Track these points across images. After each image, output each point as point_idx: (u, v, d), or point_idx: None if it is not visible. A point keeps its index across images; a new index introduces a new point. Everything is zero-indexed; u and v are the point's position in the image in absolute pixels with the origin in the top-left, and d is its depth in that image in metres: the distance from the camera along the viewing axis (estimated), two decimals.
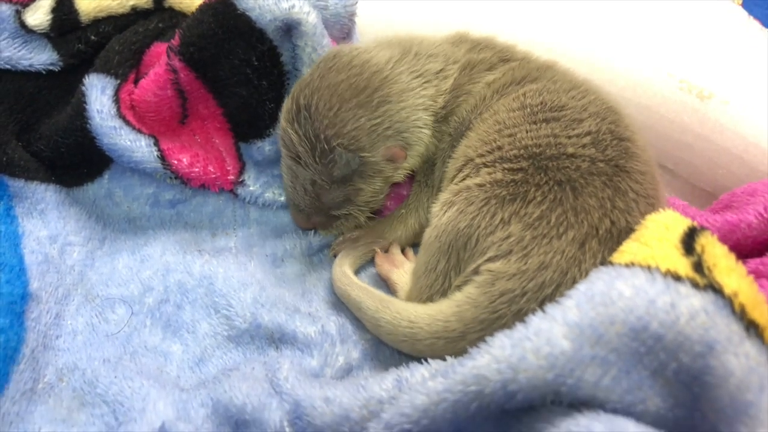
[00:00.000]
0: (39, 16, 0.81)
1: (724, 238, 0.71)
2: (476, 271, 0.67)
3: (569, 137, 0.70)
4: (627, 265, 0.56)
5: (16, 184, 0.82)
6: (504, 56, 0.84)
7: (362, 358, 0.75)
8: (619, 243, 0.64)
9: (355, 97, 0.74)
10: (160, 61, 0.82)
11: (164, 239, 0.86)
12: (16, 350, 0.71)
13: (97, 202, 0.89)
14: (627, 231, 0.65)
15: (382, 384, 0.63)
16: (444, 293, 0.70)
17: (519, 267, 0.64)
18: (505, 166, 0.70)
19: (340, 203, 0.78)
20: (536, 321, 0.54)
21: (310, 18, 0.79)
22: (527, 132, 0.72)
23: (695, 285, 0.53)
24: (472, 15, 1.08)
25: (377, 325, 0.72)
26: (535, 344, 0.53)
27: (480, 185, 0.70)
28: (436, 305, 0.69)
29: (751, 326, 0.51)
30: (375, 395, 0.62)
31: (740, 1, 1.47)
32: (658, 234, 0.59)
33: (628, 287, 0.53)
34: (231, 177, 0.87)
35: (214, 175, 0.86)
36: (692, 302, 0.51)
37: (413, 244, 0.86)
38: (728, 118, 0.92)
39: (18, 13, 0.81)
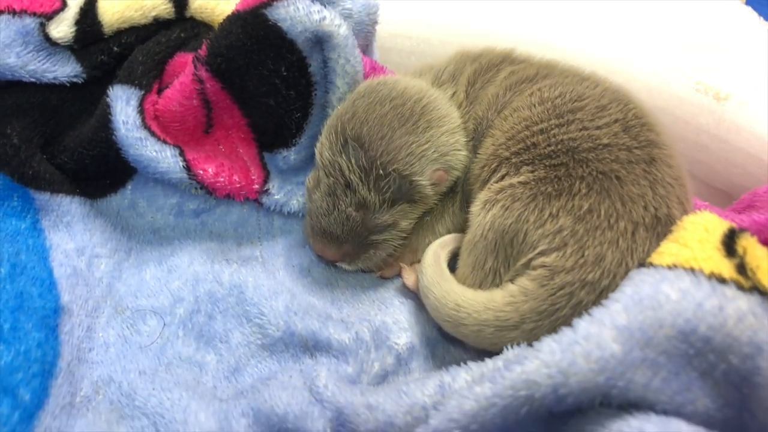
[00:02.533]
0: (63, 28, 0.81)
1: None
2: (528, 265, 0.68)
3: (599, 128, 0.72)
4: (670, 267, 0.57)
5: (42, 198, 0.82)
6: (506, 58, 0.88)
7: (396, 363, 0.75)
8: (662, 230, 0.67)
9: (403, 125, 0.77)
10: (186, 71, 0.82)
11: (190, 249, 0.86)
12: (53, 365, 0.71)
13: (121, 213, 0.88)
14: (668, 217, 0.68)
15: (424, 390, 0.63)
16: (495, 288, 0.71)
17: (576, 260, 0.66)
18: (546, 162, 0.72)
19: (385, 228, 0.79)
20: (584, 325, 0.55)
21: (342, 30, 0.80)
22: (558, 127, 0.74)
23: (740, 287, 0.54)
24: (483, 18, 1.09)
25: (425, 296, 0.74)
26: (585, 348, 0.54)
27: (524, 183, 0.72)
28: (488, 293, 0.70)
29: None
30: (418, 401, 0.63)
31: (744, 0, 1.49)
32: (698, 235, 0.60)
33: (674, 291, 0.54)
34: (256, 186, 0.87)
35: (239, 185, 0.86)
36: (739, 305, 0.52)
37: None
38: (745, 119, 0.94)
39: (42, 26, 0.80)
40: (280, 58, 0.80)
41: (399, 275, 0.85)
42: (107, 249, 0.84)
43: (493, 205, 0.73)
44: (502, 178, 0.75)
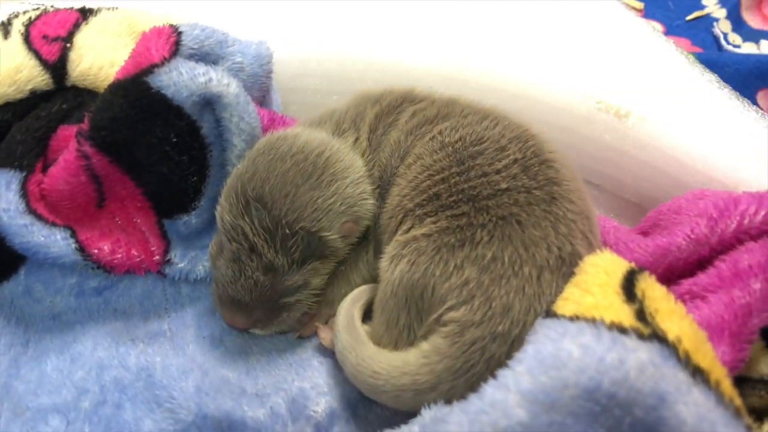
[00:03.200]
0: None
1: (656, 263, 0.72)
2: (438, 321, 0.67)
3: (498, 171, 0.71)
4: (572, 319, 0.56)
5: None
6: (407, 98, 0.87)
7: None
8: (567, 270, 0.66)
9: (306, 180, 0.75)
10: (70, 148, 0.78)
11: (94, 332, 0.81)
12: None
13: (15, 301, 0.83)
14: (572, 255, 0.67)
15: None
16: (410, 345, 0.69)
17: (485, 312, 0.64)
18: (448, 213, 0.70)
19: (296, 288, 0.76)
20: (490, 391, 0.54)
21: (231, 89, 0.77)
22: (459, 175, 0.72)
23: (640, 335, 0.53)
24: (386, 50, 1.08)
25: (342, 363, 0.72)
26: (491, 417, 0.52)
27: (427, 235, 0.70)
28: (403, 355, 0.67)
29: (696, 372, 0.52)
30: None
31: (642, 6, 1.52)
32: (599, 279, 0.60)
33: (576, 346, 0.53)
34: (156, 257, 0.83)
35: (138, 258, 0.82)
36: (639, 355, 0.51)
37: None
38: (646, 134, 0.95)
39: None
40: (168, 125, 0.76)
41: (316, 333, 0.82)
42: (1, 345, 0.79)
43: (400, 260, 0.71)
44: (408, 230, 0.74)
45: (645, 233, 0.81)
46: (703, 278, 0.67)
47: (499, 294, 0.65)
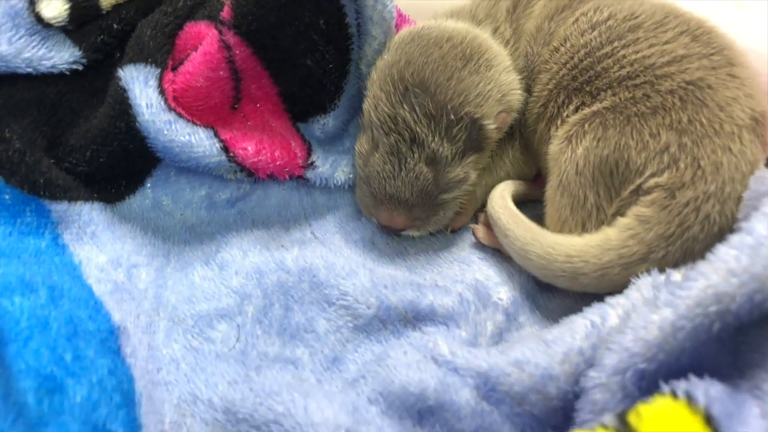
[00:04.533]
0: (56, 5, 0.69)
1: None
2: (638, 192, 0.64)
3: (668, 42, 0.69)
4: None
5: (59, 208, 0.70)
6: None
7: (506, 319, 0.69)
8: (760, 130, 0.65)
9: (465, 65, 0.71)
10: (208, 40, 0.72)
11: (237, 241, 0.76)
12: (132, 391, 0.60)
13: (146, 215, 0.77)
14: (762, 116, 0.66)
15: (574, 334, 0.58)
16: (600, 226, 0.66)
17: (694, 172, 0.62)
18: (627, 84, 0.68)
19: (456, 183, 0.72)
20: (761, 225, 0.51)
21: None
22: (625, 48, 0.70)
23: None
24: None
25: (526, 258, 0.68)
26: None
27: (610, 108, 0.67)
28: (600, 235, 0.65)
29: None
30: (572, 347, 0.57)
31: None
32: None
33: None
34: (299, 161, 0.78)
35: (281, 161, 0.76)
36: None
37: None
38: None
39: (32, 5, 0.68)
40: (317, 9, 0.71)
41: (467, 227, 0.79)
42: (143, 256, 0.73)
43: (582, 137, 0.68)
44: (578, 109, 0.71)
45: None
46: None
47: (706, 153, 0.63)
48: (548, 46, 0.77)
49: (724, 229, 0.60)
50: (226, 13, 0.71)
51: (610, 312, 0.58)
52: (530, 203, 0.79)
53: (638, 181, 0.65)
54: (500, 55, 0.76)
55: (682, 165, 0.63)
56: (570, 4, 0.79)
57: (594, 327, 0.58)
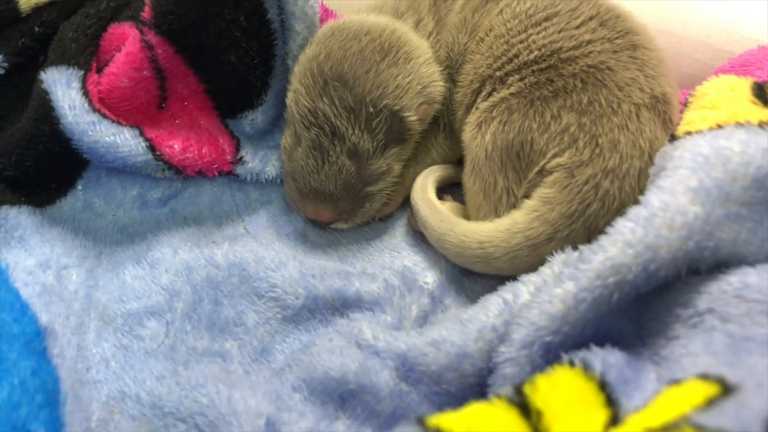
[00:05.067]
0: None
1: None
2: (542, 173, 0.66)
3: (577, 27, 0.71)
4: (714, 128, 0.56)
5: None
6: None
7: (431, 302, 0.71)
8: (662, 107, 0.67)
9: (384, 58, 0.72)
10: (130, 41, 0.73)
11: (168, 239, 0.76)
12: (56, 391, 0.60)
13: (77, 217, 0.77)
14: (664, 95, 0.68)
15: (487, 312, 0.59)
16: (512, 209, 0.68)
17: (592, 150, 0.64)
18: (533, 68, 0.70)
19: (379, 176, 0.73)
20: (655, 198, 0.53)
21: None
22: (537, 33, 0.72)
23: None
24: None
25: (443, 247, 0.70)
26: (665, 218, 0.52)
27: (515, 93, 0.69)
28: (507, 219, 0.67)
29: None
30: (486, 324, 0.58)
31: None
32: (726, 96, 0.60)
33: (734, 143, 0.53)
34: (228, 156, 0.78)
35: (209, 158, 0.77)
36: None
37: None
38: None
39: None
40: (237, 6, 0.72)
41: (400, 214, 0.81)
42: (74, 258, 0.74)
43: (490, 123, 0.70)
44: (489, 95, 0.73)
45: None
46: None
47: (604, 131, 0.65)
48: (473, 37, 0.78)
49: (626, 205, 0.61)
50: (146, 13, 0.72)
51: (522, 289, 0.60)
52: (459, 186, 0.80)
53: (542, 162, 0.66)
54: (420, 47, 0.77)
55: (581, 144, 0.65)
56: None
57: (506, 304, 0.59)
